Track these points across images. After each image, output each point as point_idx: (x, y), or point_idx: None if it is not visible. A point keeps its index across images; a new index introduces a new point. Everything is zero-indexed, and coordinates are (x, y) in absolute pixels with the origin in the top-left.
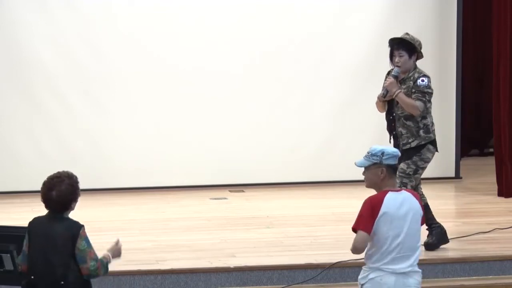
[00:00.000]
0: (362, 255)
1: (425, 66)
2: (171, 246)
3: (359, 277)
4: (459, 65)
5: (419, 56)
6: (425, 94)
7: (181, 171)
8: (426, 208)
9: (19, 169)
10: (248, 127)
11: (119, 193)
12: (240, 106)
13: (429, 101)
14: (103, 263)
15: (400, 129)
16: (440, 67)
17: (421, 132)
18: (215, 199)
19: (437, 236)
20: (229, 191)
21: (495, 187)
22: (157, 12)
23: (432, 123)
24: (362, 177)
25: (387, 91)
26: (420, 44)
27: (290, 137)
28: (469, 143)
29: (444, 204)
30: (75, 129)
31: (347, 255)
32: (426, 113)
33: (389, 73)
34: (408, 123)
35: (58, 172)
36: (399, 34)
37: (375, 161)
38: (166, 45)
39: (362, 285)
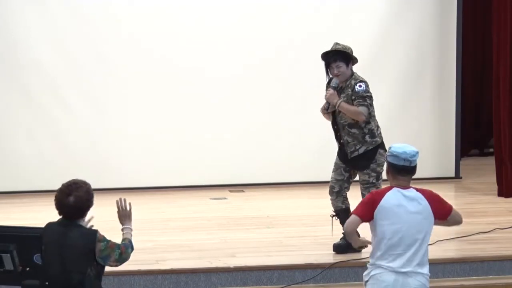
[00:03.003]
0: (364, 255)
1: (425, 66)
2: (171, 246)
3: (364, 274)
4: (459, 65)
5: (354, 62)
6: (366, 98)
7: (181, 171)
8: (347, 212)
9: (19, 169)
10: (248, 127)
11: (119, 193)
12: (240, 106)
13: (371, 105)
14: (126, 245)
15: (346, 137)
16: (440, 67)
17: (366, 137)
18: (215, 199)
19: (347, 242)
20: (229, 191)
21: (495, 187)
22: (157, 12)
23: (377, 127)
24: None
25: (329, 103)
26: (352, 51)
27: (290, 137)
28: (469, 143)
29: None
30: (75, 129)
31: (347, 255)
32: (369, 117)
33: (329, 83)
34: (353, 130)
35: (74, 179)
36: (399, 34)
37: (385, 156)
38: (166, 45)
39: (366, 282)
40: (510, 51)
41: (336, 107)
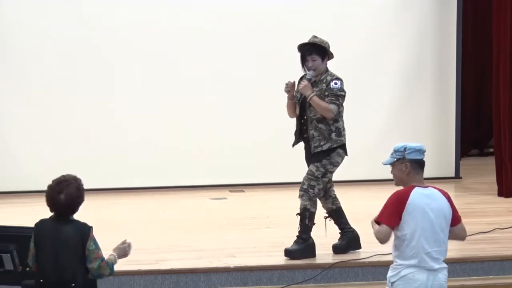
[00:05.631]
0: (364, 255)
1: (425, 67)
2: (171, 246)
3: (389, 275)
4: (459, 65)
5: (330, 57)
6: (339, 97)
7: (181, 171)
8: (339, 212)
9: (19, 169)
10: (248, 127)
11: (119, 193)
12: (240, 106)
13: (342, 105)
14: (108, 263)
15: (312, 131)
16: (440, 67)
17: (333, 135)
18: (215, 199)
19: (347, 241)
20: (229, 191)
21: (495, 187)
22: (155, 13)
23: (343, 128)
24: (361, 177)
25: (301, 95)
26: (329, 46)
27: (290, 137)
28: (469, 143)
29: None
30: (75, 129)
31: (347, 255)
32: (338, 116)
33: (301, 78)
34: (320, 125)
35: (63, 176)
36: (399, 34)
37: (399, 156)
38: (166, 45)
39: (393, 283)
40: (510, 51)
41: (308, 100)
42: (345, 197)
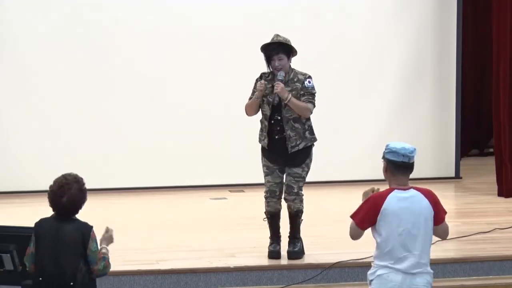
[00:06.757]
0: (363, 255)
1: (425, 67)
2: (171, 246)
3: (368, 272)
4: (459, 65)
5: (293, 54)
6: (314, 95)
7: (181, 171)
8: (279, 215)
9: (19, 169)
10: (248, 127)
11: (119, 193)
12: (241, 105)
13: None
14: (108, 260)
15: (289, 131)
16: (440, 67)
17: (307, 133)
18: (215, 199)
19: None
20: (229, 191)
21: (495, 187)
22: (158, 15)
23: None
24: (361, 178)
25: (279, 97)
26: (290, 42)
27: None
28: (469, 143)
29: (444, 204)
30: (76, 129)
31: (347, 255)
32: None
33: (261, 77)
34: (296, 125)
35: (65, 178)
36: (399, 34)
37: (382, 154)
38: (167, 46)
39: (371, 281)
40: (510, 51)
41: (286, 101)
42: (345, 197)
